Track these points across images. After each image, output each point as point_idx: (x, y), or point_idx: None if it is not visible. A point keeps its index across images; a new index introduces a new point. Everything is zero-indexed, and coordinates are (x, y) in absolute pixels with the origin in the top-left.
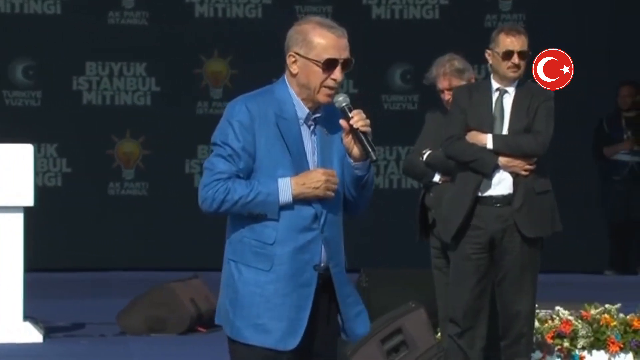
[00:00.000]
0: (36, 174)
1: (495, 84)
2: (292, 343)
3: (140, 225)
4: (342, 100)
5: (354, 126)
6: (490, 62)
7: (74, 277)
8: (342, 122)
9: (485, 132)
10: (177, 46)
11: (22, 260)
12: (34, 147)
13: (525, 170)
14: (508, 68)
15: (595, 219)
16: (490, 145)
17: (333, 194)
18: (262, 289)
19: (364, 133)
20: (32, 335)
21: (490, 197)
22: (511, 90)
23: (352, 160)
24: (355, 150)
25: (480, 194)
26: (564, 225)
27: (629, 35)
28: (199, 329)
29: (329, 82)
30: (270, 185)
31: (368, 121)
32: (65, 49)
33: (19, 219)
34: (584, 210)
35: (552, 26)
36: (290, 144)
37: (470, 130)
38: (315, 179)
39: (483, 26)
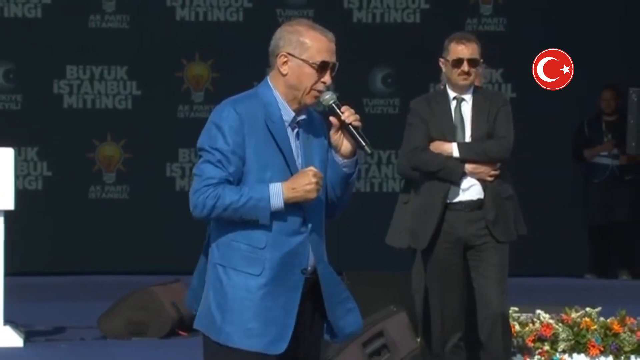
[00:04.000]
0: (16, 177)
1: (451, 93)
2: (281, 347)
3: (121, 228)
4: (329, 97)
5: (347, 121)
6: (443, 70)
7: (54, 280)
8: (332, 119)
9: (449, 141)
10: (158, 50)
11: (2, 264)
12: (15, 150)
13: (491, 175)
14: (458, 75)
15: (575, 222)
16: (456, 153)
17: (317, 194)
18: (252, 293)
19: (356, 127)
20: (12, 339)
21: (460, 202)
22: (468, 97)
23: (340, 158)
24: (345, 147)
25: (448, 201)
26: (544, 229)
27: (607, 38)
28: (180, 332)
29: (319, 86)
30: (261, 190)
31: (358, 116)
32: (46, 52)
33: None
34: (564, 214)
35: (533, 30)
36: (282, 146)
37: (432, 140)
38: (306, 182)
39: (464, 30)
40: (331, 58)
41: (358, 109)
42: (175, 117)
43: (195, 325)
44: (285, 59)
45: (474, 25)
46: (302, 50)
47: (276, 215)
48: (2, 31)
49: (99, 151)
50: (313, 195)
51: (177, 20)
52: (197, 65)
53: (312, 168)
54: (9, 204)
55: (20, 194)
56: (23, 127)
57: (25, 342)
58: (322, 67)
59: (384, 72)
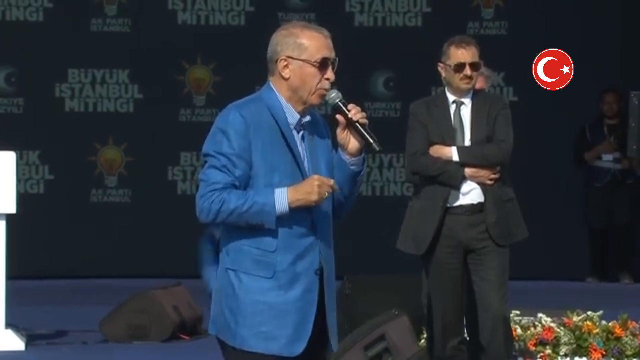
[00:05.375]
0: (18, 181)
1: (451, 97)
2: (298, 349)
3: (122, 232)
4: (335, 96)
5: (353, 119)
6: (443, 74)
7: (56, 284)
8: (339, 117)
9: (448, 145)
10: (159, 53)
11: (4, 268)
12: (16, 154)
13: (491, 179)
14: (460, 80)
15: (576, 225)
16: (456, 157)
17: (326, 195)
18: (266, 296)
19: (363, 125)
20: (13, 343)
21: (460, 206)
22: (467, 101)
23: (348, 157)
24: (352, 145)
25: (449, 205)
26: (545, 232)
27: (609, 41)
28: (182, 336)
29: (324, 84)
30: (266, 195)
31: (365, 113)
32: (48, 56)
33: (0, 226)
34: (565, 217)
35: (534, 33)
36: (289, 149)
37: (432, 144)
38: (308, 185)
39: (465, 34)
40: (330, 54)
41: None
42: (177, 120)
43: (210, 331)
44: (286, 63)
45: (476, 29)
46: (301, 51)
47: (285, 218)
48: (3, 35)
49: (101, 155)
50: (314, 197)
51: (179, 24)
52: (198, 69)
53: (318, 176)
54: (11, 208)
55: (22, 198)
56: (25, 130)
57: (26, 345)
58: (323, 65)
59: (385, 75)
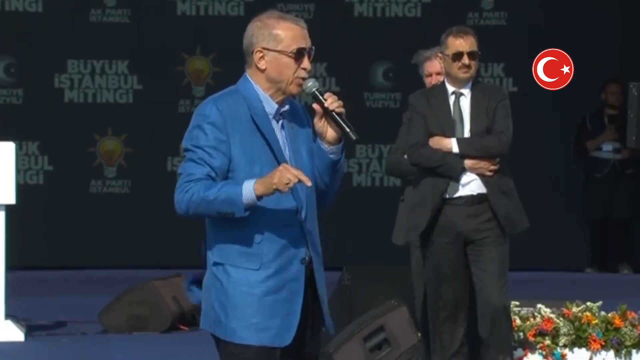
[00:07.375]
0: (18, 171)
1: (450, 88)
2: (288, 338)
3: (122, 223)
4: (311, 85)
5: (329, 108)
6: (442, 65)
7: (55, 275)
8: (315, 106)
9: (448, 136)
10: (159, 44)
11: (4, 259)
12: (16, 145)
13: (490, 170)
14: (459, 69)
15: (576, 216)
16: (455, 149)
17: (290, 183)
18: (254, 288)
19: (339, 114)
20: (13, 333)
21: (460, 197)
22: (466, 92)
23: (326, 146)
24: (330, 134)
25: (448, 197)
26: (545, 223)
27: (609, 31)
28: (181, 327)
29: (301, 73)
30: (235, 184)
31: (341, 102)
32: (47, 46)
33: (0, 217)
34: (564, 208)
35: (534, 24)
36: (268, 139)
37: (431, 135)
38: (270, 174)
39: (465, 24)
40: (306, 44)
41: (359, 103)
42: (176, 111)
43: (202, 327)
44: (261, 54)
45: (475, 19)
46: (277, 42)
47: (268, 207)
48: (3, 25)
49: (100, 145)
50: (275, 180)
51: (178, 15)
52: (198, 60)
53: (284, 164)
54: (10, 199)
55: (22, 189)
56: (24, 121)
57: (26, 336)
58: (299, 54)
59: (385, 66)
